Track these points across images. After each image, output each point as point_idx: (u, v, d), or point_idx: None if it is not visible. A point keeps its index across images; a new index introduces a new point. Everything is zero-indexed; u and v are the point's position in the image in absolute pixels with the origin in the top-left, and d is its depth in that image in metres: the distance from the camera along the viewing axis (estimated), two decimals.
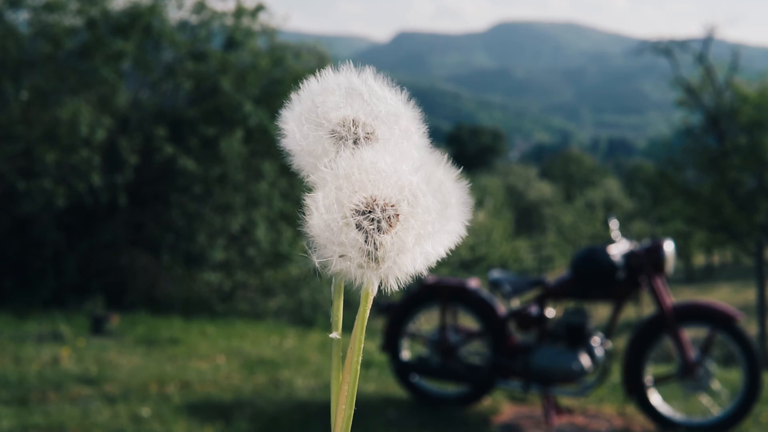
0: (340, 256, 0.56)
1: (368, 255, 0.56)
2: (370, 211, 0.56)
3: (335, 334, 0.59)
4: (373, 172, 0.57)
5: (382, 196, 0.56)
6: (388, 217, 0.56)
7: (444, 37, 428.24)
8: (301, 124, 0.62)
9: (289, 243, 11.70)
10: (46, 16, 11.12)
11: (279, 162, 11.56)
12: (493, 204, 26.99)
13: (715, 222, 21.62)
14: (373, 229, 0.55)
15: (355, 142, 0.61)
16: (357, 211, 0.56)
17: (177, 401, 5.41)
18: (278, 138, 0.62)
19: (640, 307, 5.21)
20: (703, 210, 21.60)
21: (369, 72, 0.64)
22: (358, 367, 0.58)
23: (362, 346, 0.58)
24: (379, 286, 0.58)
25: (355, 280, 0.57)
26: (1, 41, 10.88)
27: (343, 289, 0.60)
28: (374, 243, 0.56)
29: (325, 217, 0.55)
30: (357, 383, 0.58)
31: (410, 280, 0.58)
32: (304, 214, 0.56)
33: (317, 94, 0.63)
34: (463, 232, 0.62)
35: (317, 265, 0.56)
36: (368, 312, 0.59)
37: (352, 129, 0.62)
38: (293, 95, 0.63)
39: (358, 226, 0.55)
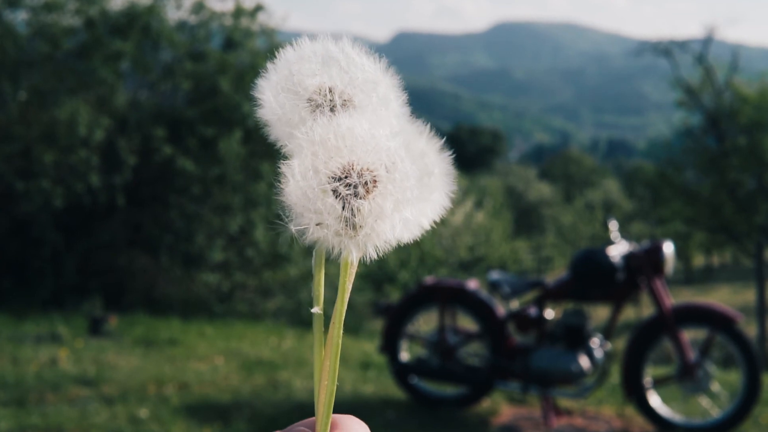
0: (317, 224, 0.54)
1: (345, 222, 0.54)
2: (346, 177, 0.54)
3: (317, 309, 0.58)
4: (350, 137, 0.55)
5: (359, 162, 0.55)
6: (365, 183, 0.54)
7: (443, 37, 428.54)
8: (278, 93, 0.60)
9: (288, 244, 11.70)
10: (44, 16, 11.10)
11: (278, 162, 11.54)
12: (492, 204, 26.98)
13: (715, 223, 21.62)
14: (350, 194, 0.54)
15: (332, 110, 0.59)
16: (333, 178, 0.54)
17: (175, 402, 5.40)
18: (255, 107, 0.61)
19: (640, 308, 5.20)
20: (703, 211, 21.60)
21: (346, 39, 0.63)
22: (340, 341, 0.57)
23: (343, 318, 0.58)
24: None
25: (333, 248, 0.55)
26: (0, 41, 10.88)
27: (324, 263, 0.59)
28: (351, 209, 0.54)
29: (301, 184, 0.54)
30: (339, 358, 0.57)
31: (389, 247, 0.56)
32: (280, 182, 0.55)
33: (293, 62, 0.61)
34: (447, 203, 0.61)
35: (294, 233, 0.55)
36: (350, 283, 0.58)
37: (329, 96, 0.60)
38: (269, 64, 0.61)
39: (335, 193, 0.54)
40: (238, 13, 12.13)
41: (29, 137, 10.54)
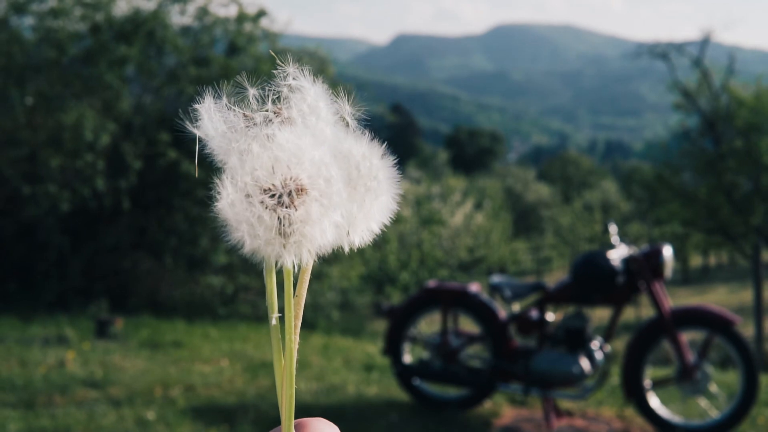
0: (249, 235, 0.56)
1: (275, 231, 0.56)
2: (273, 188, 0.57)
3: (273, 319, 0.58)
4: (276, 149, 0.57)
5: (284, 172, 0.57)
6: (290, 192, 0.57)
7: (442, 39, 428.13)
8: (212, 114, 0.62)
9: None
10: (50, 22, 11.19)
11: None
12: (491, 206, 27.07)
13: (712, 224, 21.70)
14: (276, 204, 0.56)
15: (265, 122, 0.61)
16: (260, 189, 0.57)
17: (181, 404, 5.47)
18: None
19: (639, 309, 5.30)
20: (700, 212, 21.67)
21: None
22: (295, 347, 0.58)
23: (295, 323, 0.59)
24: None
25: (269, 257, 0.57)
26: (6, 47, 10.96)
27: (274, 273, 0.60)
28: (279, 218, 0.56)
29: (231, 197, 0.57)
30: (294, 362, 0.59)
31: (323, 251, 0.58)
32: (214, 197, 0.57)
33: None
34: (394, 207, 0.62)
35: (234, 245, 0.57)
36: (302, 290, 0.60)
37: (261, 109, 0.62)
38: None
39: (263, 203, 0.56)
40: (241, 18, 12.22)
41: (35, 142, 10.63)
